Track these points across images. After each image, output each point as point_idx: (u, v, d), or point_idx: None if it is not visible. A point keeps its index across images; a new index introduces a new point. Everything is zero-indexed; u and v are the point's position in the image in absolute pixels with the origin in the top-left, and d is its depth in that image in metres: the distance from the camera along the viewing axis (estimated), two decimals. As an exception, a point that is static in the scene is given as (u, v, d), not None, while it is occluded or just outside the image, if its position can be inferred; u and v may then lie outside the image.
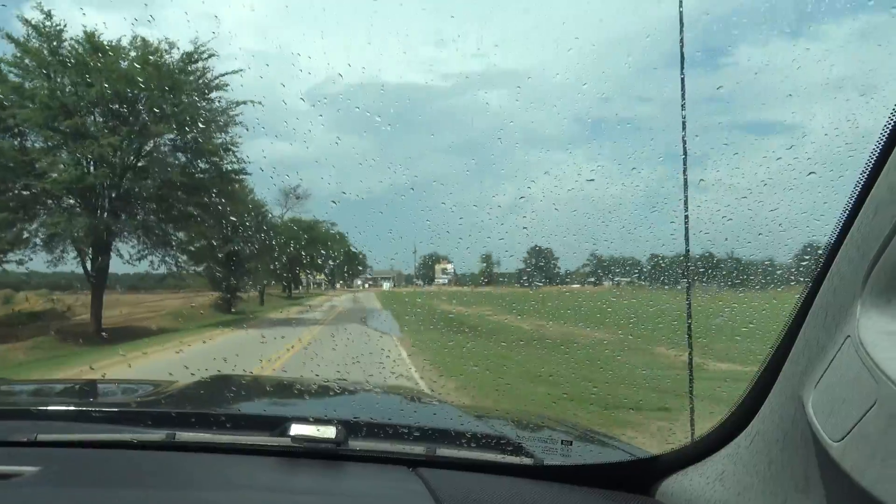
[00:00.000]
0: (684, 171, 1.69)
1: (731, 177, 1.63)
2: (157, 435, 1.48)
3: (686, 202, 1.72)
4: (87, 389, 2.37)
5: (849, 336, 0.78)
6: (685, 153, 1.68)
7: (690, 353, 1.75)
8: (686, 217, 1.72)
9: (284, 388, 2.42)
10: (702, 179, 1.68)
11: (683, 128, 1.63)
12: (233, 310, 25.58)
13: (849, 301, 0.81)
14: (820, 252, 0.94)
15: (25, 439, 1.42)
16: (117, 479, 1.34)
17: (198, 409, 1.75)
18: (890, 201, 0.72)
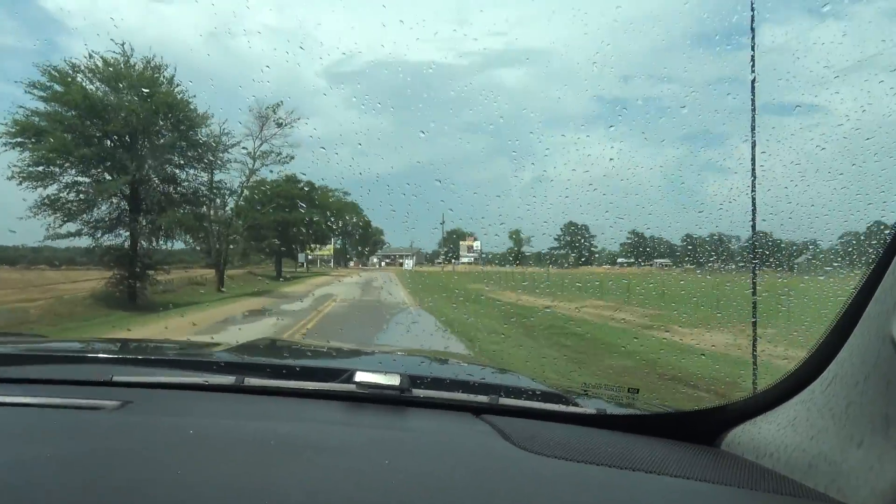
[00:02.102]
0: (752, 155, 1.73)
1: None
2: (227, 379, 1.67)
3: (753, 183, 1.78)
4: (156, 343, 2.71)
5: None
6: (753, 128, 1.72)
7: (755, 313, 1.85)
8: (753, 199, 1.78)
9: (344, 351, 2.65)
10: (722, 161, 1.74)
11: (753, 107, 1.67)
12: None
13: None
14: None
15: (102, 379, 1.64)
16: (189, 413, 1.51)
17: (265, 359, 1.93)
18: None
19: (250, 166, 28.28)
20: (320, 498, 1.03)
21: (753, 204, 1.82)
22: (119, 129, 20.29)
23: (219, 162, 23.98)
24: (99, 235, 21.62)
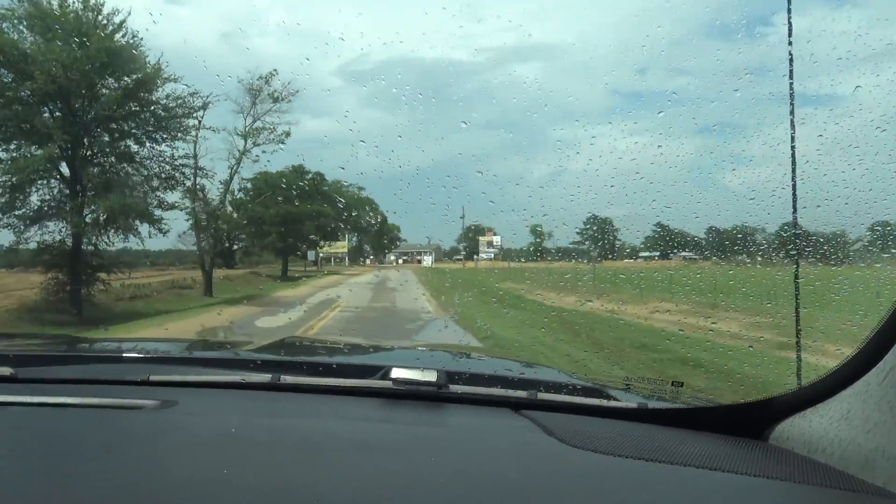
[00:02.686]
0: (792, 147, 1.74)
1: (775, 148, 1.70)
2: (263, 377, 1.71)
3: (794, 171, 1.78)
4: (191, 342, 2.80)
5: None
6: (792, 121, 1.73)
7: (797, 305, 1.88)
8: (794, 189, 1.79)
9: (378, 347, 2.71)
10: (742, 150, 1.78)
11: (791, 100, 1.68)
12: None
13: None
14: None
15: (139, 379, 1.69)
16: (228, 412, 1.55)
17: (300, 356, 1.98)
18: None
19: (240, 148, 24.70)
20: (364, 497, 1.05)
21: (794, 192, 1.82)
22: (46, 87, 15.85)
23: (182, 131, 19.77)
24: (25, 228, 17.03)
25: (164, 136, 19.52)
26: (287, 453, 1.26)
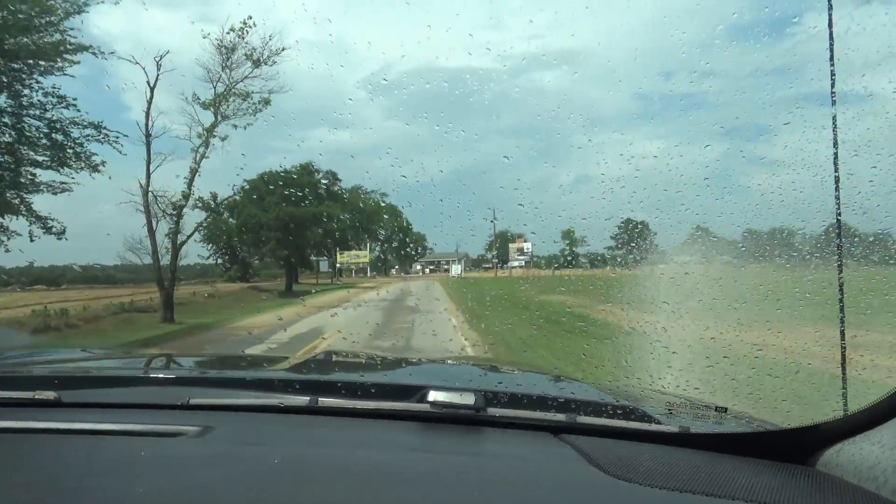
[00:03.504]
0: (835, 143, 1.76)
1: (803, 149, 1.73)
2: (301, 400, 1.77)
3: (837, 172, 1.80)
4: (228, 359, 2.87)
5: None
6: (834, 122, 1.74)
7: (842, 325, 1.88)
8: (837, 187, 1.80)
9: (414, 363, 2.78)
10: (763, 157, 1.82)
11: (833, 95, 1.70)
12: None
13: None
14: None
15: (179, 403, 1.74)
16: (268, 439, 1.59)
17: (337, 377, 2.06)
18: None
19: (205, 128, 19.34)
20: None
21: (837, 190, 1.83)
22: None
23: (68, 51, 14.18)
24: None
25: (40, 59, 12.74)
26: (328, 484, 1.30)
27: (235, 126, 19.63)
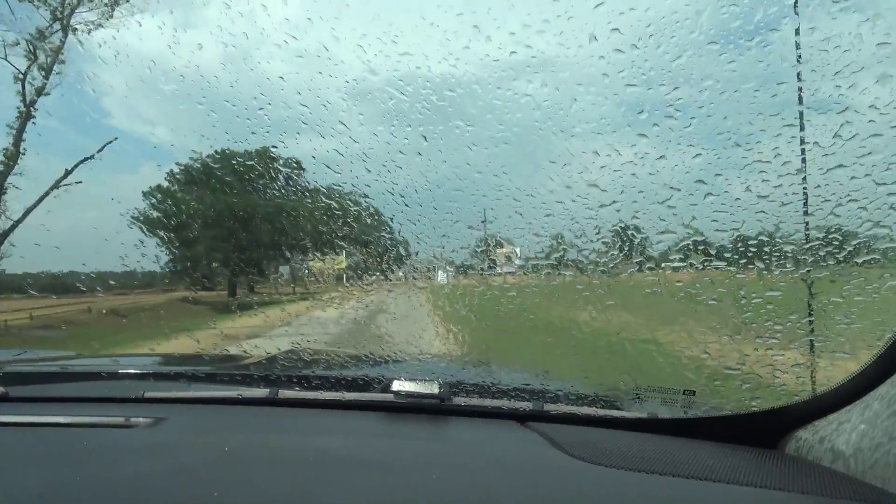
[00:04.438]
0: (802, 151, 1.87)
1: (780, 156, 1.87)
2: (261, 392, 1.80)
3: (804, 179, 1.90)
4: (188, 357, 2.93)
5: None
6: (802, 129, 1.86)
7: (810, 303, 1.98)
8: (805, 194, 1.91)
9: (379, 358, 2.78)
10: (744, 158, 1.94)
11: (800, 102, 1.81)
12: None
13: None
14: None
15: (134, 396, 1.79)
16: (223, 428, 1.62)
17: (299, 371, 2.09)
18: None
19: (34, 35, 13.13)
20: None
21: (805, 197, 1.94)
22: None
23: None
24: None
25: None
26: (284, 470, 1.31)
27: (58, 72, 12.91)
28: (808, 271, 1.99)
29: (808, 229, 1.95)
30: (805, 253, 1.98)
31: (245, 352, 2.78)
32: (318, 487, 1.23)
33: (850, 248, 1.84)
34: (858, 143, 1.60)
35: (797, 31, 1.84)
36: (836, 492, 1.20)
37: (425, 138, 2.14)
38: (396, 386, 1.72)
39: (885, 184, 1.71)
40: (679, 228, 2.08)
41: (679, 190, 1.97)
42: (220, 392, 1.87)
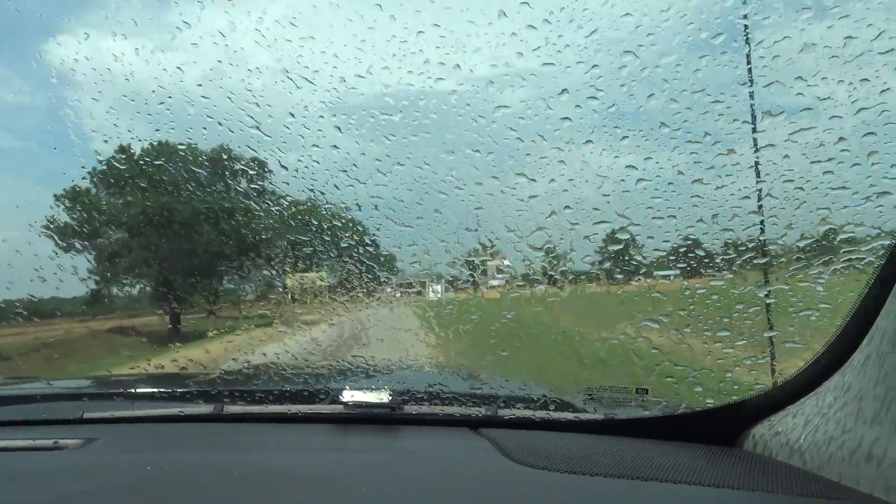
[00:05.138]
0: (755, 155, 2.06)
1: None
2: (205, 408, 1.79)
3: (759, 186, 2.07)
4: (133, 377, 2.90)
5: None
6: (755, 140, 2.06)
7: (768, 297, 2.02)
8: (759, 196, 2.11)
9: (330, 369, 2.75)
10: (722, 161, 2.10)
11: (752, 113, 2.01)
12: None
13: None
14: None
15: (72, 417, 1.77)
16: (161, 447, 1.60)
17: (246, 386, 2.07)
18: None
19: None
20: None
21: (759, 200, 2.12)
22: None
23: None
24: None
25: None
26: (228, 489, 1.30)
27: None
28: (767, 262, 2.07)
29: (761, 223, 2.03)
30: (746, 243, 2.17)
31: (184, 368, 2.76)
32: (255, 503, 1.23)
33: (791, 236, 2.02)
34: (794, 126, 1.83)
35: (747, 40, 2.06)
36: (789, 488, 1.22)
37: (409, 150, 2.32)
38: (346, 396, 1.74)
39: (819, 161, 1.92)
40: (665, 236, 2.22)
41: (666, 196, 2.11)
42: (162, 410, 1.86)
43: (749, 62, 2.01)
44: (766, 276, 2.18)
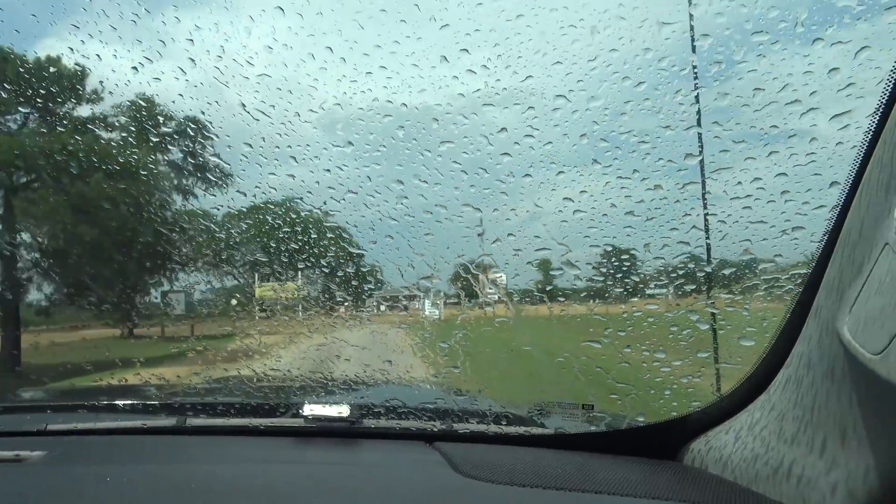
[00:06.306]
0: (702, 180, 2.33)
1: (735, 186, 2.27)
2: (167, 421, 1.92)
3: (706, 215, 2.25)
4: (99, 389, 2.97)
5: (887, 243, 0.93)
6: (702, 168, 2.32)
7: (714, 306, 2.19)
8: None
9: (294, 382, 2.92)
10: (708, 192, 2.35)
11: (700, 140, 2.28)
12: None
13: (882, 210, 0.98)
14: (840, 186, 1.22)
15: (35, 429, 1.86)
16: (124, 460, 1.69)
17: (208, 399, 2.18)
18: None
19: None
20: None
21: (706, 218, 2.39)
22: None
23: None
24: None
25: None
26: (184, 500, 1.40)
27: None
28: (696, 287, 2.30)
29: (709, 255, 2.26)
30: (676, 269, 2.45)
31: (147, 382, 2.86)
32: None
33: (717, 265, 2.27)
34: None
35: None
36: (721, 501, 1.35)
37: (398, 166, 2.56)
38: (307, 410, 1.89)
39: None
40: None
41: (652, 218, 2.36)
42: (124, 423, 1.97)
43: (698, 102, 2.27)
44: (704, 298, 2.40)
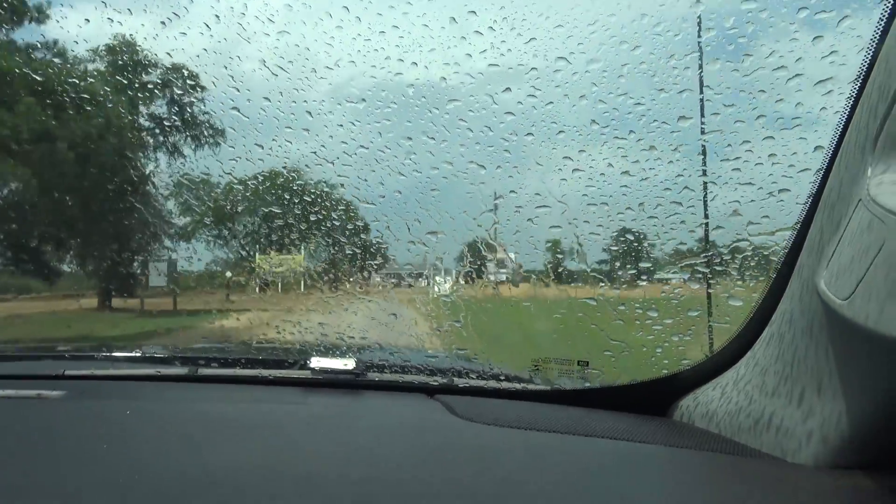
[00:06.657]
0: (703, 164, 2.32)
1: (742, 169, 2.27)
2: (180, 370, 2.05)
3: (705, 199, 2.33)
4: (109, 342, 3.13)
5: (860, 200, 0.98)
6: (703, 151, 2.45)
7: (708, 264, 2.25)
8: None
9: (303, 342, 2.89)
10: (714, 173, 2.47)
11: (702, 114, 2.31)
12: None
13: (859, 170, 1.03)
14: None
15: (54, 374, 1.99)
16: (140, 399, 1.83)
17: (220, 352, 2.34)
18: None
19: None
20: (272, 474, 1.23)
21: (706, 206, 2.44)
22: None
23: None
24: None
25: None
26: (195, 435, 1.49)
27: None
28: (689, 248, 2.40)
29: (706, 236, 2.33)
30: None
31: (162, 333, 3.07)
32: (226, 448, 1.41)
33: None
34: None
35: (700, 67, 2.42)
36: (704, 447, 1.46)
37: (409, 141, 2.72)
38: (314, 362, 2.01)
39: (727, 159, 2.30)
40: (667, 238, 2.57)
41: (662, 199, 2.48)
42: (139, 370, 2.12)
43: (702, 81, 2.38)
44: (695, 258, 2.55)
